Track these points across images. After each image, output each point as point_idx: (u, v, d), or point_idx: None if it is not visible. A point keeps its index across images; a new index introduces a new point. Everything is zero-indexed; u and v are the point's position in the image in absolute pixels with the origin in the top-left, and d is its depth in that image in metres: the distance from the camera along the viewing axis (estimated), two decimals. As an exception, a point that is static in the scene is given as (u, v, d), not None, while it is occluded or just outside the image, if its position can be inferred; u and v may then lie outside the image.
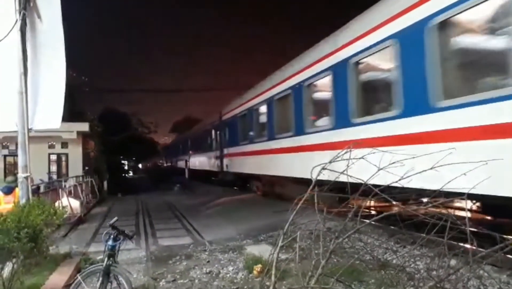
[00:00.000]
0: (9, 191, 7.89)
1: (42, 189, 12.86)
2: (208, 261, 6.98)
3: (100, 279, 4.14)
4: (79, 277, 4.28)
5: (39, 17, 6.63)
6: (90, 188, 18.69)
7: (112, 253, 4.25)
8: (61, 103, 6.88)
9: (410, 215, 3.07)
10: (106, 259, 4.20)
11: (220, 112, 21.40)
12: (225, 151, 19.66)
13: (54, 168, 19.91)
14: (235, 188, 20.42)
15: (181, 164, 39.43)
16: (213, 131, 23.41)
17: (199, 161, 29.05)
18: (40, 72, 6.80)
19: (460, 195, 2.78)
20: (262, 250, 6.93)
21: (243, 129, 16.71)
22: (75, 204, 13.33)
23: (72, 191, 14.66)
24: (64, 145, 19.59)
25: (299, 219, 3.82)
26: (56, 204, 11.58)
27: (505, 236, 4.47)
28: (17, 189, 6.84)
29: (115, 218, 4.40)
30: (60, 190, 13.55)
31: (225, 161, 19.56)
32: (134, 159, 51.14)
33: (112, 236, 4.29)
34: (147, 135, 42.93)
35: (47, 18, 6.69)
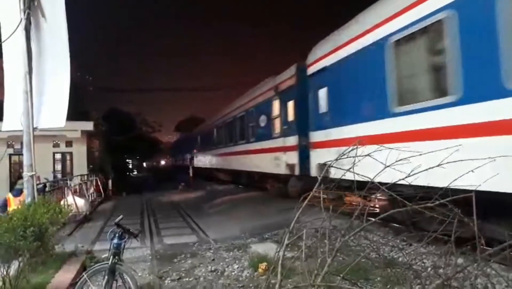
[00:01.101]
0: (18, 193, 7.98)
1: (48, 188, 12.83)
2: (213, 259, 6.98)
3: (106, 277, 4.14)
4: (85, 276, 4.28)
5: (43, 16, 6.64)
6: (95, 187, 18.82)
7: (117, 252, 4.24)
8: (66, 102, 6.89)
9: (417, 212, 3.04)
10: (111, 257, 4.19)
11: (302, 61, 11.31)
12: (315, 137, 10.22)
13: (58, 167, 20.00)
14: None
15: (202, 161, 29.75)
16: (276, 104, 13.78)
17: (229, 159, 20.44)
18: (45, 71, 6.82)
19: (468, 192, 2.74)
20: (267, 248, 6.92)
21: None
22: (81, 202, 13.37)
23: (78, 190, 14.94)
24: (69, 143, 19.68)
25: (305, 217, 3.81)
26: (62, 202, 11.76)
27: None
28: (24, 190, 6.88)
29: (120, 216, 4.40)
30: (66, 188, 13.65)
31: (313, 155, 10.29)
32: (138, 158, 51.23)
33: (117, 235, 4.28)
34: (151, 134, 43.03)
35: (51, 17, 6.70)
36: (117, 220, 4.34)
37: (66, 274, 5.55)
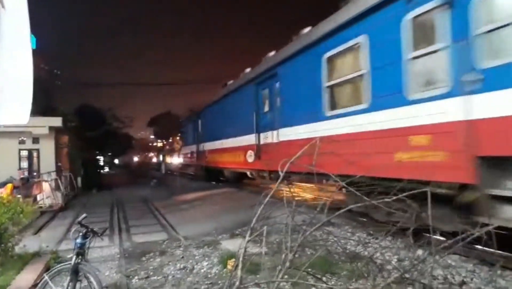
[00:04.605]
0: None
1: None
2: (183, 257, 6.93)
3: (68, 277, 4.05)
4: (46, 277, 4.17)
5: (3, 6, 6.36)
6: (64, 183, 18.37)
7: (81, 251, 4.16)
8: (29, 96, 6.62)
9: (377, 207, 3.11)
10: (74, 257, 4.11)
11: None
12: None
13: (25, 164, 19.30)
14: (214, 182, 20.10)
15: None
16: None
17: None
18: (4, 64, 6.54)
19: (424, 187, 2.83)
20: (237, 245, 6.88)
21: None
22: (57, 195, 15.96)
23: (53, 185, 16.51)
24: (36, 140, 18.98)
25: (275, 212, 3.83)
26: (39, 196, 15.26)
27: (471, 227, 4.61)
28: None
29: (84, 215, 4.31)
30: (43, 182, 15.96)
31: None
32: (110, 154, 50.17)
33: (81, 234, 4.20)
34: (122, 130, 42.16)
35: (11, 6, 6.42)
36: (80, 218, 4.25)
37: (27, 276, 5.37)
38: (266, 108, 12.07)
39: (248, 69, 14.75)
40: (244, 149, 13.43)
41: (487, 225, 2.78)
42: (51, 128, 18.51)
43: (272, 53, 12.42)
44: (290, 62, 10.31)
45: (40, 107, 21.87)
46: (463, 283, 4.51)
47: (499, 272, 4.75)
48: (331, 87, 8.32)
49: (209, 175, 20.82)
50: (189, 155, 25.36)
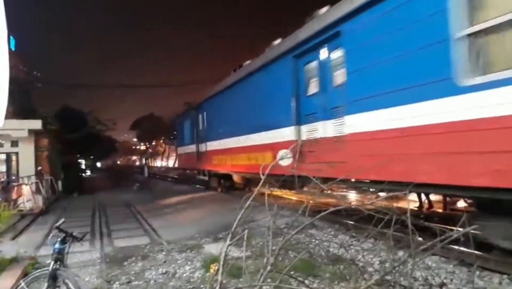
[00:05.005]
0: None
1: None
2: (165, 261, 6.85)
3: (46, 284, 3.95)
4: (23, 283, 4.07)
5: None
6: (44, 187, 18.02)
7: (59, 257, 4.07)
8: (4, 100, 6.48)
9: (358, 210, 3.14)
10: (52, 263, 4.02)
11: None
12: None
13: (3, 168, 18.84)
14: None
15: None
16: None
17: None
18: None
19: (403, 189, 2.86)
20: (221, 248, 6.88)
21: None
22: (38, 198, 15.85)
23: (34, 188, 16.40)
24: (14, 143, 18.55)
25: (257, 215, 3.82)
26: (19, 199, 15.17)
27: (449, 227, 4.69)
28: None
29: (62, 220, 4.22)
30: (23, 186, 15.82)
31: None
32: (92, 157, 49.37)
33: (59, 239, 4.11)
34: (105, 133, 41.54)
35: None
36: (58, 223, 4.16)
37: (4, 282, 5.23)
38: (314, 90, 8.72)
39: (277, 41, 10.85)
40: (272, 148, 10.01)
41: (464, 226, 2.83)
42: (30, 131, 18.13)
43: (325, 8, 8.57)
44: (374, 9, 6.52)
45: (20, 109, 21.42)
46: (443, 284, 4.58)
47: (477, 272, 4.85)
48: (478, 35, 4.87)
49: (214, 181, 17.19)
50: (185, 157, 21.08)
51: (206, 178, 17.62)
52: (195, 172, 19.99)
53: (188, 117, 19.79)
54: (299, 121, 9.04)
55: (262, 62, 11.05)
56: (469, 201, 7.40)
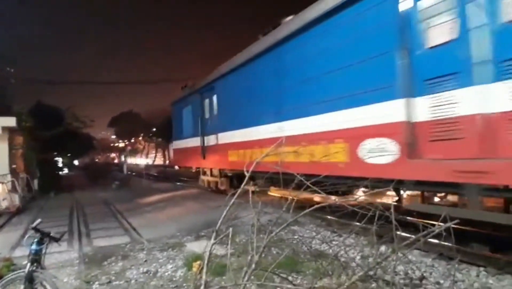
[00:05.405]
0: None
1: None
2: (146, 261, 6.75)
3: (22, 286, 3.83)
4: (-2, 286, 3.93)
5: None
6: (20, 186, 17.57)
7: (36, 258, 3.96)
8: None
9: (342, 206, 3.14)
10: (29, 264, 3.90)
11: None
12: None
13: (-25, 167, 18.21)
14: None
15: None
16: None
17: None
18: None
19: (386, 186, 2.88)
20: (203, 246, 6.78)
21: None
22: (14, 196, 15.42)
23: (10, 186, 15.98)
24: (-13, 141, 17.96)
25: (241, 212, 3.79)
26: None
27: (430, 222, 4.76)
28: None
29: (38, 220, 4.11)
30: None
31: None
32: (69, 155, 48.26)
33: (36, 240, 3.99)
34: (82, 130, 40.61)
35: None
36: (34, 224, 4.04)
37: (-22, 285, 5.03)
38: (445, 37, 5.28)
39: None
40: (348, 135, 6.75)
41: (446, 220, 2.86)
42: (4, 128, 17.57)
43: None
44: None
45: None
46: (423, 277, 4.66)
47: (456, 266, 4.95)
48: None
49: (224, 183, 13.37)
50: (183, 153, 17.41)
51: (217, 179, 13.76)
52: (198, 171, 16.21)
53: (188, 104, 16.15)
54: (411, 91, 5.63)
55: (327, 10, 7.34)
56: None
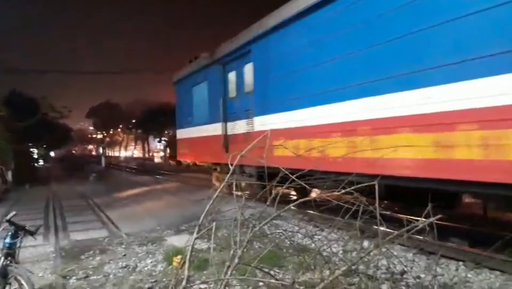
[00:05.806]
0: None
1: None
2: (125, 255, 6.61)
3: (-5, 281, 3.70)
4: (-31, 282, 3.77)
5: None
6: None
7: (10, 252, 3.83)
8: None
9: (326, 200, 3.12)
10: (2, 258, 3.76)
11: None
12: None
13: None
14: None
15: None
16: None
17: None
18: None
19: (371, 181, 2.87)
20: (184, 241, 6.73)
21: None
22: None
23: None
24: (-42, 131, 17.38)
25: (224, 206, 3.73)
26: None
27: (413, 218, 4.81)
28: None
29: (13, 213, 3.97)
30: None
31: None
32: (45, 146, 47.10)
33: (10, 233, 3.85)
34: (59, 120, 39.65)
35: None
36: (8, 216, 3.90)
37: None
38: None
39: None
40: None
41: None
42: (-24, 118, 17.01)
43: None
44: None
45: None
46: (404, 272, 4.71)
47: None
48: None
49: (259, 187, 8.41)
50: (194, 145, 13.16)
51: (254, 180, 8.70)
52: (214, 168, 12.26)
53: (200, 80, 12.49)
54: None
55: None
56: None
